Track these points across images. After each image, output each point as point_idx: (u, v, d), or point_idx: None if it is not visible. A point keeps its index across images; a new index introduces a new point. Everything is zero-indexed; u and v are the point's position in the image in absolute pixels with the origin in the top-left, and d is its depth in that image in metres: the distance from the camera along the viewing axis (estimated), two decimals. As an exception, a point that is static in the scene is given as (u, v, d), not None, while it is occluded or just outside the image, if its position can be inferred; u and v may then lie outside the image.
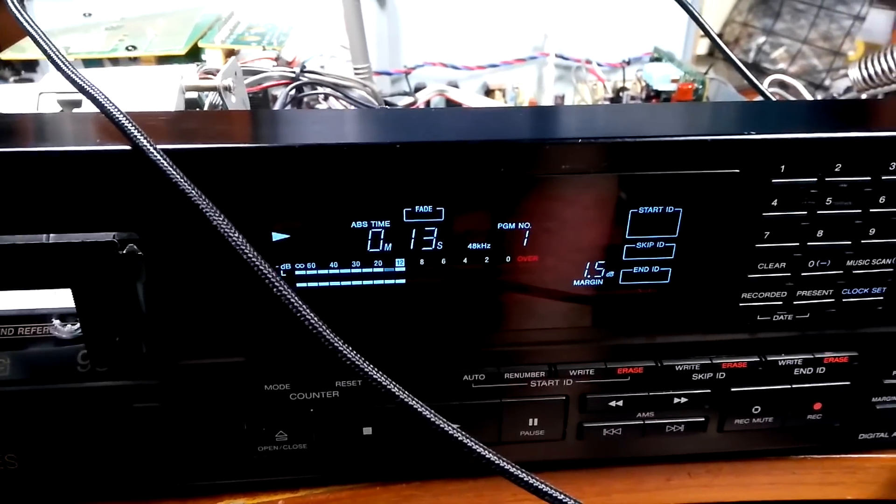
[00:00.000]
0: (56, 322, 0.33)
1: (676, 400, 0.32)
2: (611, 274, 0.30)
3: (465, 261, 0.29)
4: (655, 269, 0.29)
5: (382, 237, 0.28)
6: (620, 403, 0.32)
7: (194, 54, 0.52)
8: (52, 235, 0.28)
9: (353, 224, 0.28)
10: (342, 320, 0.29)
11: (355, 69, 0.55)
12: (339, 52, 0.58)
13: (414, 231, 0.28)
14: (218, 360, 0.30)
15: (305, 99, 0.49)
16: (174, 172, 0.24)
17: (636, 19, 0.73)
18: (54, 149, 0.25)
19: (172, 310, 0.29)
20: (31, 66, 1.08)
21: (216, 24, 0.60)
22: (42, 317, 0.33)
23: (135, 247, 0.28)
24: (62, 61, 0.27)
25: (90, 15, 0.66)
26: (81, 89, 0.26)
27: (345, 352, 0.24)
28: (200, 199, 0.24)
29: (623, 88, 0.68)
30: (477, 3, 0.71)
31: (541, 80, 0.75)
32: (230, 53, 0.56)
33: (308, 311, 0.24)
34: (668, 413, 0.33)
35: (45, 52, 0.27)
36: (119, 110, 0.25)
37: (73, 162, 0.25)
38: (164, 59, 0.52)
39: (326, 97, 0.49)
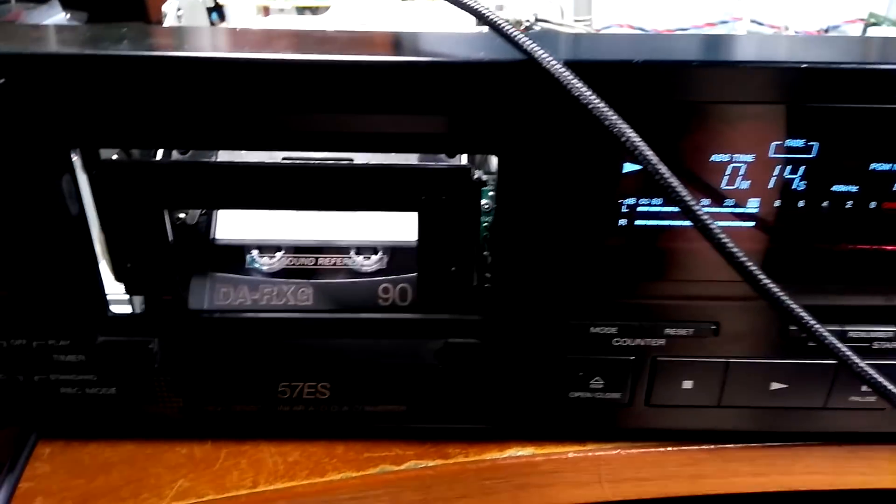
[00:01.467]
0: (354, 254, 0.32)
1: None
2: None
3: (825, 204, 0.27)
4: None
5: (742, 173, 0.26)
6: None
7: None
8: (401, 156, 0.27)
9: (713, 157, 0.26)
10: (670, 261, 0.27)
11: (577, 20, 0.53)
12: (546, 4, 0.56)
13: (778, 168, 0.26)
14: (543, 299, 0.28)
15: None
16: (583, 88, 0.22)
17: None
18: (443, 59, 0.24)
19: (513, 242, 0.27)
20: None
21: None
22: (341, 248, 0.32)
23: (481, 172, 0.27)
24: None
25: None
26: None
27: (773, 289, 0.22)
28: (612, 116, 0.22)
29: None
30: (668, -37, 0.67)
31: (729, 47, 0.71)
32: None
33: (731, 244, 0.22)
34: None
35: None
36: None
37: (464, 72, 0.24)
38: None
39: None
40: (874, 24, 0.63)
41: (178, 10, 0.36)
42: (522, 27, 0.44)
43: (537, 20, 0.47)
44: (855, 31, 0.67)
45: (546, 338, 0.29)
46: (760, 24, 0.69)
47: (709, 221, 0.23)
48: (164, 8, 0.36)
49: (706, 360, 0.29)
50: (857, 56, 0.25)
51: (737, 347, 0.29)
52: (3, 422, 0.31)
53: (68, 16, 0.86)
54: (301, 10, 0.52)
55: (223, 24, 0.50)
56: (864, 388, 0.30)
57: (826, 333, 0.24)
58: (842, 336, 0.29)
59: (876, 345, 0.29)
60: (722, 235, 0.23)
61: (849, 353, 0.25)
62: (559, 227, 0.27)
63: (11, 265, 0.27)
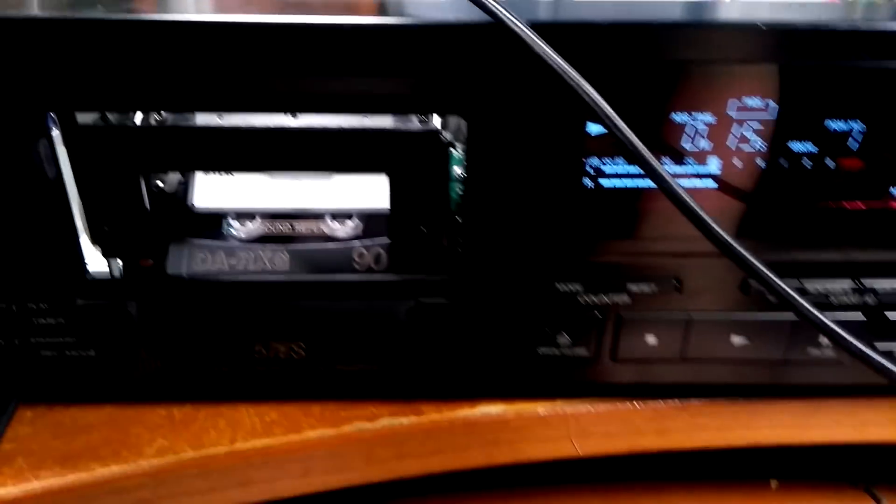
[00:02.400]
0: (329, 220, 0.33)
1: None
2: (938, 183, 0.28)
3: (782, 161, 0.28)
4: None
5: (702, 132, 0.27)
6: (922, 325, 0.30)
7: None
8: (365, 117, 0.28)
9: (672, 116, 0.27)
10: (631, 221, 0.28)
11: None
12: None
13: (736, 127, 0.27)
14: (511, 258, 0.29)
15: None
16: (545, 48, 0.23)
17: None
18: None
19: (481, 203, 0.28)
20: None
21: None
22: (317, 215, 0.33)
23: (450, 136, 0.28)
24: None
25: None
26: None
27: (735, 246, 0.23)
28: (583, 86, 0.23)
29: None
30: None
31: None
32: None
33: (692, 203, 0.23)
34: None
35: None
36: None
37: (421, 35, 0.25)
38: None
39: None
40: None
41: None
42: None
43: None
44: None
45: (514, 296, 0.30)
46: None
47: (669, 179, 0.24)
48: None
49: (669, 314, 0.30)
50: (810, 15, 0.26)
51: (699, 303, 0.30)
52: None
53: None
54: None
55: None
56: (821, 340, 0.31)
57: (783, 285, 0.25)
58: (800, 291, 0.30)
59: (833, 299, 0.30)
60: (681, 192, 0.24)
61: (805, 303, 0.26)
62: (526, 187, 0.28)
63: (-10, 227, 0.27)
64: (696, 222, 0.25)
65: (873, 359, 0.24)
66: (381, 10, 0.27)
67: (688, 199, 0.24)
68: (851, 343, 0.25)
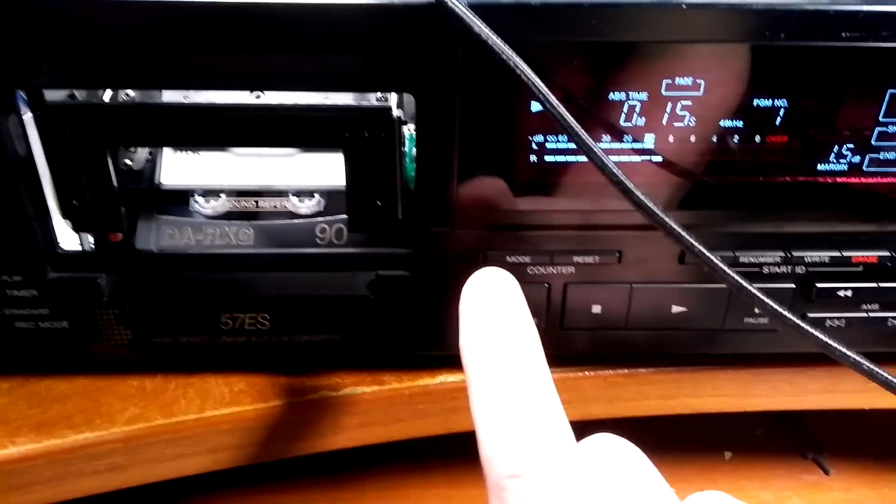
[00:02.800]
0: (293, 198, 0.34)
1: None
2: (857, 159, 0.30)
3: (714, 139, 0.29)
4: (906, 154, 0.30)
5: (637, 110, 0.29)
6: (849, 294, 0.33)
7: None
8: (328, 95, 0.30)
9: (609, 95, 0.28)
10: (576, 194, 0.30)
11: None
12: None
13: (669, 105, 0.29)
14: (467, 230, 0.31)
15: None
16: (484, 28, 0.25)
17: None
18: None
19: (434, 177, 0.30)
20: None
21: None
22: (280, 192, 0.34)
23: (401, 111, 0.30)
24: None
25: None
26: None
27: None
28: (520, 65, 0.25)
29: None
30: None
31: None
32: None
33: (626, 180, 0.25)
34: (893, 307, 0.33)
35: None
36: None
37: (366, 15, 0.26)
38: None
39: None
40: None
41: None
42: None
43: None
44: None
45: (467, 268, 0.32)
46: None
47: (602, 155, 0.26)
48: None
49: (611, 284, 0.32)
50: None
51: (639, 273, 0.32)
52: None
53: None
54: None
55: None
56: (756, 310, 0.33)
57: (709, 255, 0.27)
58: (734, 261, 0.32)
59: (766, 269, 0.32)
60: (613, 167, 0.26)
61: (734, 275, 0.27)
62: (475, 163, 0.29)
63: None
64: (627, 195, 0.26)
65: (790, 319, 0.26)
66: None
67: (619, 174, 0.26)
68: (776, 309, 0.27)
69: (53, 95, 0.28)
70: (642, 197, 0.26)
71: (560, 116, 0.25)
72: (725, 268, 0.27)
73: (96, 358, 0.33)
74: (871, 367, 0.26)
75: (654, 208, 0.26)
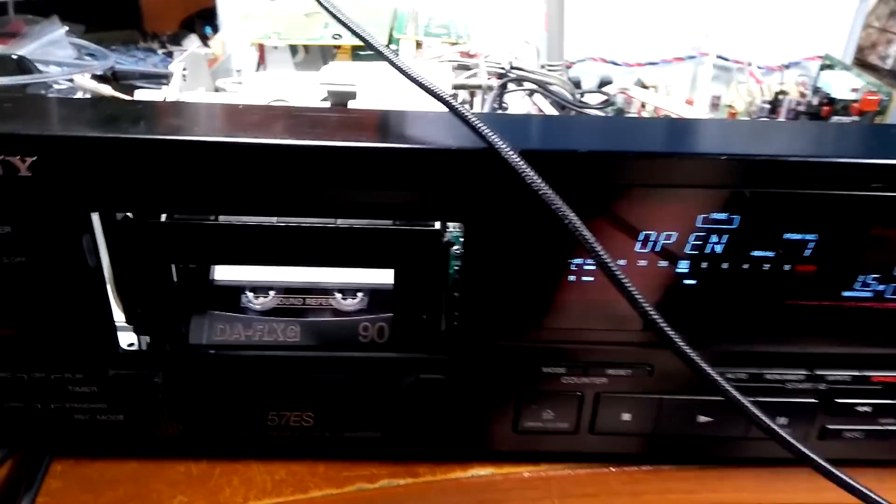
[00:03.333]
0: (338, 295, 0.36)
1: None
2: (881, 287, 0.31)
3: (746, 266, 0.31)
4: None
5: (672, 240, 0.30)
6: (868, 409, 0.34)
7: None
8: (382, 222, 0.31)
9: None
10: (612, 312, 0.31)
11: (549, 66, 0.57)
12: (521, 46, 0.60)
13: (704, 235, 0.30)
14: (503, 343, 0.33)
15: (507, 94, 0.51)
16: (531, 173, 0.26)
17: (798, 22, 0.73)
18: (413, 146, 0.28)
19: (476, 295, 0.31)
20: (175, 38, 1.14)
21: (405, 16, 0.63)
22: (326, 290, 0.36)
23: (449, 235, 0.31)
24: (400, 64, 0.29)
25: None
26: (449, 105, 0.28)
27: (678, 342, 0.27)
28: (552, 197, 0.26)
29: (782, 92, 0.68)
30: (638, 0, 0.72)
31: (694, 80, 0.75)
32: (418, 45, 0.59)
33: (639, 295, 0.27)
34: (911, 421, 0.34)
35: (378, 51, 0.30)
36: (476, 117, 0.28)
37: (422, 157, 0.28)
38: (360, 49, 0.56)
39: (532, 93, 0.51)
40: (828, 67, 0.68)
41: (184, 69, 0.40)
42: (500, 80, 0.48)
43: (513, 68, 0.51)
44: (813, 67, 0.72)
45: (504, 376, 0.33)
46: (726, 59, 0.73)
47: (628, 284, 0.27)
48: (171, 68, 0.39)
49: (642, 396, 0.34)
50: (777, 149, 0.29)
51: (668, 386, 0.33)
52: (21, 443, 0.35)
53: (66, 29, 0.89)
54: (294, 51, 0.56)
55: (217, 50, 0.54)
56: (780, 420, 0.34)
57: (716, 376, 0.28)
58: (758, 378, 0.33)
59: (789, 385, 0.34)
60: (639, 297, 0.27)
61: (736, 393, 0.28)
62: (516, 282, 0.31)
63: (37, 308, 0.30)
64: (644, 318, 0.28)
65: (778, 433, 0.28)
66: (383, 130, 0.30)
67: (643, 302, 0.27)
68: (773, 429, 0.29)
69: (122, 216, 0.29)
70: (659, 320, 0.28)
71: (594, 253, 0.27)
72: (724, 382, 0.28)
73: (147, 445, 0.35)
74: (841, 475, 0.28)
75: (669, 332, 0.28)
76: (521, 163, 0.27)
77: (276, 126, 0.28)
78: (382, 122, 0.31)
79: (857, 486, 0.27)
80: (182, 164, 0.27)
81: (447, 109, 0.28)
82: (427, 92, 0.29)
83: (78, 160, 0.27)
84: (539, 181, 0.27)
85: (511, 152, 0.27)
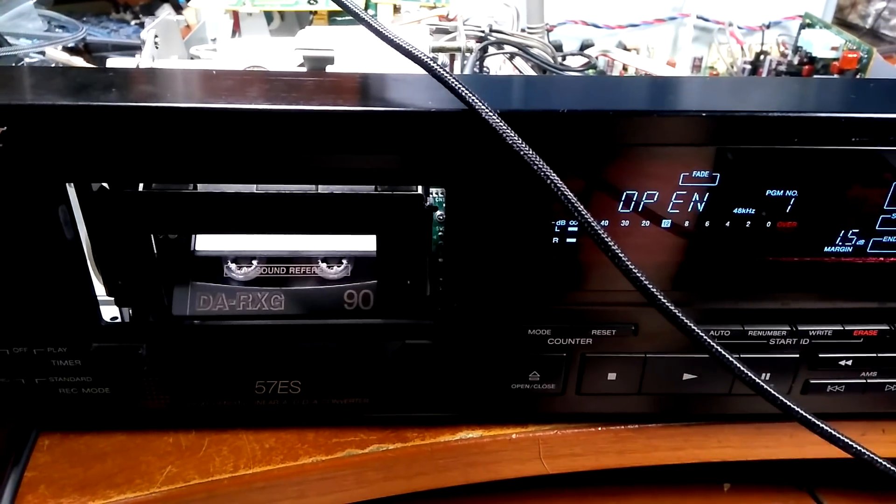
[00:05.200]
0: (322, 264, 0.36)
1: (899, 361, 0.35)
2: (861, 242, 0.32)
3: (728, 224, 0.31)
4: (908, 239, 0.31)
5: (656, 199, 0.30)
6: (850, 363, 0.34)
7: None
8: (364, 188, 0.31)
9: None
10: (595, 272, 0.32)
11: (529, 28, 0.56)
12: (501, 9, 0.59)
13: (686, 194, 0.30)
14: (487, 307, 0.33)
15: (488, 57, 0.51)
16: (511, 133, 0.26)
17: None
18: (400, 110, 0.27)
19: (461, 259, 0.31)
20: (147, 8, 1.11)
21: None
22: (309, 259, 0.36)
23: (431, 200, 0.31)
24: (391, 34, 0.29)
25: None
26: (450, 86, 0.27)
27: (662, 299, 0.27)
28: (532, 156, 0.26)
29: (763, 52, 0.68)
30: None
31: (676, 41, 0.75)
32: (396, 10, 0.58)
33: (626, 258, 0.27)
34: (890, 374, 0.35)
35: (355, 14, 0.29)
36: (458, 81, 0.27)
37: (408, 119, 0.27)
38: (336, 14, 0.55)
39: (512, 56, 0.50)
40: (809, 25, 0.67)
41: (156, 37, 0.39)
42: (479, 44, 0.48)
43: (492, 30, 0.50)
44: (793, 27, 0.72)
45: (490, 339, 0.33)
46: (706, 20, 0.73)
47: (611, 244, 0.27)
48: (143, 36, 0.38)
49: (627, 355, 0.34)
50: (757, 105, 0.29)
51: (653, 344, 0.34)
52: (6, 418, 0.35)
53: (35, 0, 0.86)
54: (269, 17, 0.55)
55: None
56: (763, 376, 0.35)
57: (701, 333, 0.28)
58: (742, 334, 0.34)
59: (772, 341, 0.34)
60: (621, 254, 0.27)
61: (721, 349, 0.28)
62: (500, 245, 0.31)
63: (15, 282, 0.30)
64: (628, 276, 0.28)
65: (763, 388, 0.28)
66: (361, 93, 0.29)
67: (627, 262, 0.27)
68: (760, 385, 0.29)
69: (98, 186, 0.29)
70: (643, 279, 0.28)
71: (578, 213, 0.27)
72: (709, 339, 0.29)
73: (135, 418, 0.35)
74: (827, 428, 0.29)
75: (655, 291, 0.28)
76: (502, 124, 0.26)
77: (251, 91, 0.28)
78: (360, 86, 0.30)
79: (841, 436, 0.28)
80: (157, 132, 0.27)
81: (426, 72, 0.28)
82: (405, 54, 0.28)
83: (50, 130, 0.26)
84: (520, 142, 0.26)
85: (491, 113, 0.26)
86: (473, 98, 0.27)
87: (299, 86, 0.29)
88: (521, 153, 0.26)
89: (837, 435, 0.28)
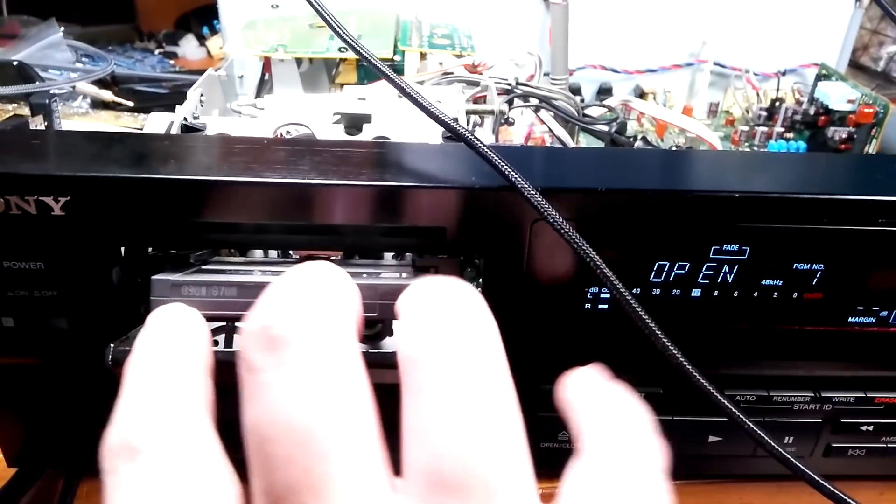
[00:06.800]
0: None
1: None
2: (885, 313, 0.33)
3: (756, 294, 0.32)
4: (929, 313, 0.32)
5: (685, 270, 0.32)
6: (871, 428, 0.35)
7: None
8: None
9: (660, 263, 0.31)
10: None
11: (553, 79, 0.57)
12: (525, 58, 0.61)
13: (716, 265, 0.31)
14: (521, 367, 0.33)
15: (513, 111, 0.52)
16: (551, 211, 0.27)
17: (793, 29, 0.74)
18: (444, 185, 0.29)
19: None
20: (171, 37, 1.13)
21: (408, 25, 0.63)
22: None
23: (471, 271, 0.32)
24: (424, 102, 0.30)
25: (277, 7, 0.69)
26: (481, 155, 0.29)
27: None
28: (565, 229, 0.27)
29: (779, 99, 0.69)
30: (637, 8, 0.72)
31: (692, 86, 0.76)
32: (422, 56, 0.59)
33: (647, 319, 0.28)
34: (911, 439, 0.36)
35: (406, 93, 0.30)
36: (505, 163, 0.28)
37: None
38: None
39: (537, 109, 0.52)
40: (825, 76, 0.69)
41: (201, 96, 0.40)
42: (506, 96, 0.49)
43: (518, 84, 0.52)
44: (809, 74, 0.73)
45: (522, 399, 0.34)
46: (723, 66, 0.74)
47: (641, 312, 0.28)
48: (189, 93, 0.40)
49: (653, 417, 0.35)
50: (786, 185, 0.30)
51: (680, 407, 0.35)
52: (47, 465, 0.36)
53: (62, 30, 0.88)
54: (299, 62, 0.56)
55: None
56: (786, 439, 0.36)
57: (723, 399, 0.29)
58: (767, 399, 0.34)
59: (796, 406, 0.35)
60: (658, 332, 0.28)
61: (738, 413, 0.30)
62: (533, 310, 0.32)
63: (66, 339, 0.31)
64: (664, 352, 0.29)
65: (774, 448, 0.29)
66: (399, 169, 0.31)
67: (663, 339, 0.28)
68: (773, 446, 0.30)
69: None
70: (680, 357, 0.29)
71: (615, 289, 0.28)
72: (728, 403, 0.30)
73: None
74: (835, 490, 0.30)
75: (690, 367, 0.29)
76: (544, 203, 0.27)
77: (302, 164, 0.29)
78: (403, 159, 0.31)
79: (847, 498, 0.29)
80: (214, 203, 0.28)
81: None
82: (451, 131, 0.29)
83: (111, 199, 0.28)
84: (561, 221, 0.28)
85: (534, 192, 0.28)
86: (517, 177, 0.28)
87: (347, 158, 0.30)
88: (562, 232, 0.27)
89: (844, 497, 0.29)
